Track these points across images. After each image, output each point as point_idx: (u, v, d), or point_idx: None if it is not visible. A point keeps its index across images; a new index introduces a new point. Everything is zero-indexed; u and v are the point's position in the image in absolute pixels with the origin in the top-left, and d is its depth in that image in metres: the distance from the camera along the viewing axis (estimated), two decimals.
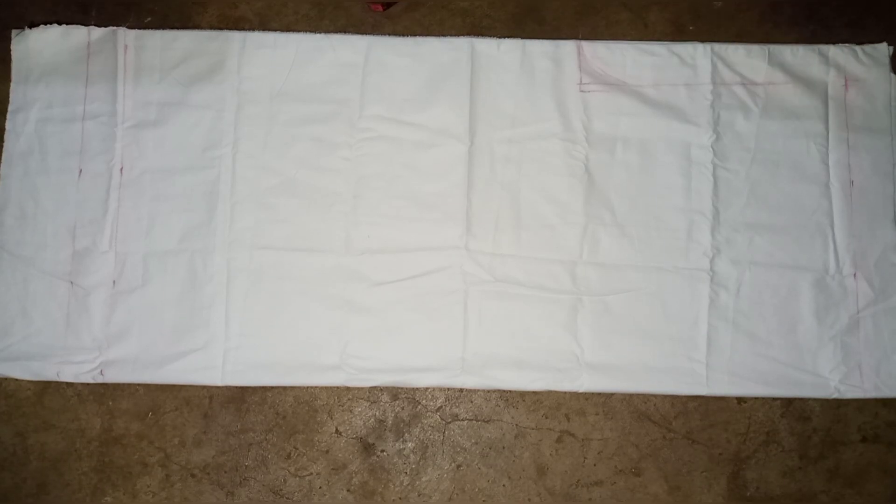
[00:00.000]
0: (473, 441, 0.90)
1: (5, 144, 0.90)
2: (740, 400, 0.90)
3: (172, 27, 0.93)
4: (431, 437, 0.90)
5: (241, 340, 0.88)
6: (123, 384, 0.89)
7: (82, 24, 0.92)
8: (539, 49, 0.93)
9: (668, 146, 0.92)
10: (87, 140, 0.89)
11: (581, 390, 0.88)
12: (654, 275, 0.90)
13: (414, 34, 0.93)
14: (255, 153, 0.90)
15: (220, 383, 0.88)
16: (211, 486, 0.88)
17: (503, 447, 0.89)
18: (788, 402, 0.91)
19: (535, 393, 0.90)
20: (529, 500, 0.88)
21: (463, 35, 0.94)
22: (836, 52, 0.93)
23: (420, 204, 0.90)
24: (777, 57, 0.93)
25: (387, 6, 0.86)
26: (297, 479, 0.89)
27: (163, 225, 0.90)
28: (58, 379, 0.88)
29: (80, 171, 0.90)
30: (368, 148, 0.91)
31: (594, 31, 0.95)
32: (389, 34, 0.93)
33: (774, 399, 0.90)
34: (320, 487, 0.88)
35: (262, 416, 0.89)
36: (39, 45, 0.92)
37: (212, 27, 0.94)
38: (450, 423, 0.90)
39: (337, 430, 0.90)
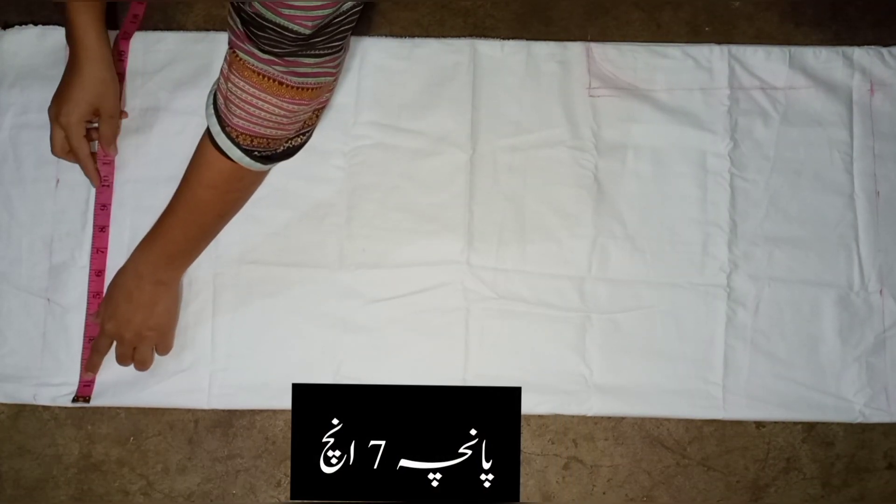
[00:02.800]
0: None
1: None
2: (759, 424, 0.86)
3: (156, 28, 0.89)
4: None
5: (227, 361, 0.84)
6: (103, 407, 0.84)
7: (60, 25, 0.87)
8: (545, 51, 0.88)
9: (682, 154, 0.87)
10: None
11: (590, 414, 0.84)
12: (668, 291, 0.85)
13: (412, 35, 0.89)
14: None
15: (205, 406, 0.83)
16: None
17: None
18: (810, 427, 0.86)
19: (540, 417, 0.85)
20: None
21: (464, 36, 0.89)
22: (861, 54, 0.89)
23: (418, 216, 0.86)
24: (798, 59, 0.88)
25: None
26: None
27: None
28: (34, 402, 0.83)
29: (58, 180, 0.85)
30: (363, 156, 0.87)
31: (604, 31, 0.91)
32: (386, 35, 0.89)
33: (795, 423, 0.86)
34: None
35: (251, 441, 0.85)
36: (14, 46, 0.87)
37: (198, 28, 0.90)
38: None
39: None
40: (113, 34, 0.87)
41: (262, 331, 0.84)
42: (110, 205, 0.85)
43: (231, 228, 0.84)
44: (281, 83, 0.63)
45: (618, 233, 0.86)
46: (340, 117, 0.87)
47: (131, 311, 0.79)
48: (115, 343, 0.81)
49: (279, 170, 0.85)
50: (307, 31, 0.58)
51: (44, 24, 0.88)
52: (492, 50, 0.88)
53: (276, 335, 0.84)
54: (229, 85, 0.64)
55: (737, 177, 0.87)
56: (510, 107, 0.88)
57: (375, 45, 0.88)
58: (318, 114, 0.71)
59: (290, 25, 0.57)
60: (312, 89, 0.64)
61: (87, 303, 0.84)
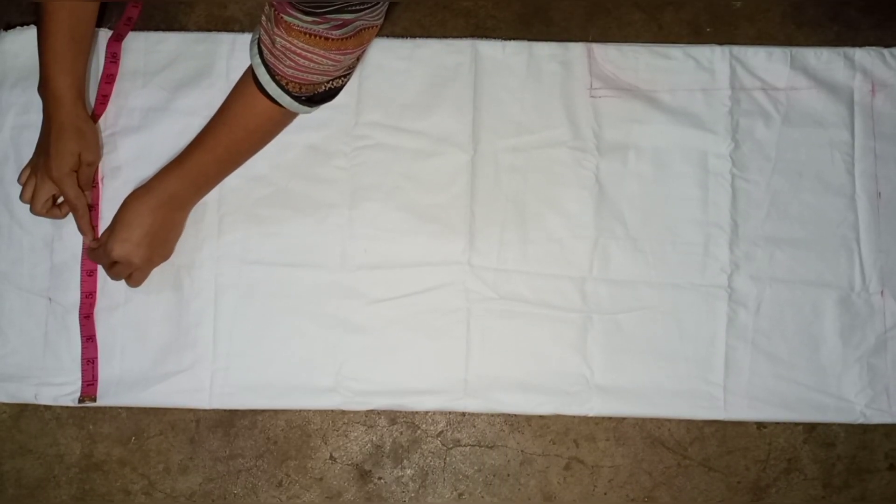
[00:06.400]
0: (476, 468, 0.85)
1: None
2: (760, 425, 0.86)
3: (157, 28, 0.88)
4: (431, 463, 0.85)
5: (229, 361, 0.84)
6: (105, 407, 0.84)
7: None
8: (547, 52, 0.88)
9: (683, 155, 0.87)
10: None
11: (591, 414, 0.84)
12: (669, 292, 0.85)
13: (413, 36, 0.89)
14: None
15: (207, 406, 0.83)
16: None
17: (508, 474, 0.85)
18: (811, 428, 0.86)
19: (541, 417, 0.85)
20: None
21: (466, 37, 0.89)
22: (862, 55, 0.88)
23: (420, 216, 0.86)
24: (800, 60, 0.88)
25: None
26: None
27: None
28: (35, 401, 0.83)
29: None
30: (365, 156, 0.86)
31: (605, 32, 0.91)
32: (387, 36, 0.88)
33: (796, 424, 0.86)
34: None
35: (252, 441, 0.85)
36: (16, 47, 0.87)
37: (199, 28, 0.89)
38: (451, 448, 0.86)
39: (331, 456, 0.85)
40: (106, 35, 0.87)
41: (264, 331, 0.84)
42: (98, 205, 0.85)
43: (233, 228, 0.85)
44: (326, 38, 0.67)
45: (619, 233, 0.86)
46: (342, 118, 0.86)
47: (147, 236, 0.79)
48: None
49: (281, 170, 0.85)
50: None
51: None
52: (493, 50, 0.88)
53: (278, 335, 0.84)
54: (276, 40, 0.68)
55: (738, 177, 0.87)
56: (511, 107, 0.87)
57: (377, 46, 0.87)
58: (359, 58, 0.75)
59: None
60: (355, 37, 0.69)
61: (80, 303, 0.84)
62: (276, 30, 0.67)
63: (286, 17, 0.66)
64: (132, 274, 0.81)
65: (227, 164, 0.81)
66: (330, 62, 0.70)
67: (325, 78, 0.73)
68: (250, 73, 0.74)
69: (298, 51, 0.68)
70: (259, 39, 0.72)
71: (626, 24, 0.91)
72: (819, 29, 0.91)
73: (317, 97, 0.76)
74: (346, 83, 0.78)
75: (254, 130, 0.78)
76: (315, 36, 0.66)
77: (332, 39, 0.67)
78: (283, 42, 0.68)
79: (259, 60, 0.72)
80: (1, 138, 0.86)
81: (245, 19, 0.90)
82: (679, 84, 0.88)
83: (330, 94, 0.77)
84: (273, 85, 0.72)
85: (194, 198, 0.82)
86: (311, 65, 0.70)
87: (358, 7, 0.65)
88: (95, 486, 0.85)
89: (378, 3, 0.67)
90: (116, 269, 0.80)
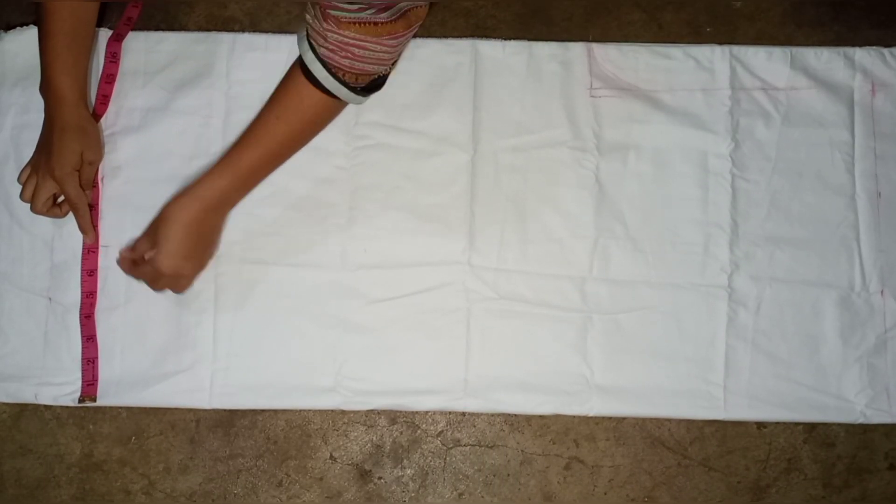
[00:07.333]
0: (476, 468, 0.85)
1: None
2: (760, 425, 0.86)
3: (157, 28, 0.88)
4: (431, 463, 0.85)
5: (229, 361, 0.84)
6: (105, 407, 0.84)
7: None
8: (547, 51, 0.88)
9: (683, 155, 0.87)
10: None
11: (591, 414, 0.84)
12: (669, 292, 0.85)
13: (413, 35, 0.88)
14: None
15: (207, 406, 0.83)
16: None
17: (508, 474, 0.85)
18: (811, 428, 0.86)
19: (541, 417, 0.85)
20: None
21: (466, 37, 0.89)
22: (862, 55, 0.88)
23: (420, 216, 0.86)
24: (800, 60, 0.88)
25: None
26: None
27: None
28: (35, 401, 0.83)
29: None
30: (365, 156, 0.86)
31: (605, 32, 0.91)
32: None
33: (796, 424, 0.86)
34: None
35: (252, 440, 0.85)
36: (16, 47, 0.87)
37: (199, 28, 0.89)
38: (451, 448, 0.85)
39: (331, 455, 0.85)
40: (106, 35, 0.87)
41: (264, 331, 0.84)
42: (98, 204, 0.85)
43: (233, 228, 0.85)
44: (375, 24, 0.68)
45: (619, 233, 0.86)
46: (342, 118, 0.85)
47: (195, 246, 0.78)
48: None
49: (281, 169, 0.85)
50: None
51: None
52: (493, 50, 0.88)
53: (278, 335, 0.84)
54: (328, 35, 0.69)
55: (738, 177, 0.87)
56: (512, 107, 0.87)
57: None
58: (405, 44, 0.76)
59: None
60: (402, 19, 0.69)
61: (81, 303, 0.84)
62: (325, 25, 0.68)
63: (333, 11, 0.67)
64: (179, 282, 0.80)
65: (277, 159, 0.80)
66: (383, 48, 0.71)
67: (382, 67, 0.74)
68: (298, 70, 0.75)
69: (352, 42, 0.69)
70: (308, 36, 0.72)
71: (626, 24, 0.91)
72: (819, 29, 0.91)
73: (370, 86, 0.77)
74: (391, 71, 0.79)
75: (309, 122, 0.78)
76: (364, 24, 0.67)
77: (381, 24, 0.68)
78: (336, 36, 0.68)
79: (312, 56, 0.72)
80: (1, 138, 0.86)
81: (245, 19, 0.90)
82: (679, 84, 0.88)
83: (378, 84, 0.78)
84: (331, 79, 0.73)
85: (239, 197, 0.81)
86: (366, 53, 0.70)
87: None
88: (95, 486, 0.84)
89: None
90: (163, 282, 0.79)
